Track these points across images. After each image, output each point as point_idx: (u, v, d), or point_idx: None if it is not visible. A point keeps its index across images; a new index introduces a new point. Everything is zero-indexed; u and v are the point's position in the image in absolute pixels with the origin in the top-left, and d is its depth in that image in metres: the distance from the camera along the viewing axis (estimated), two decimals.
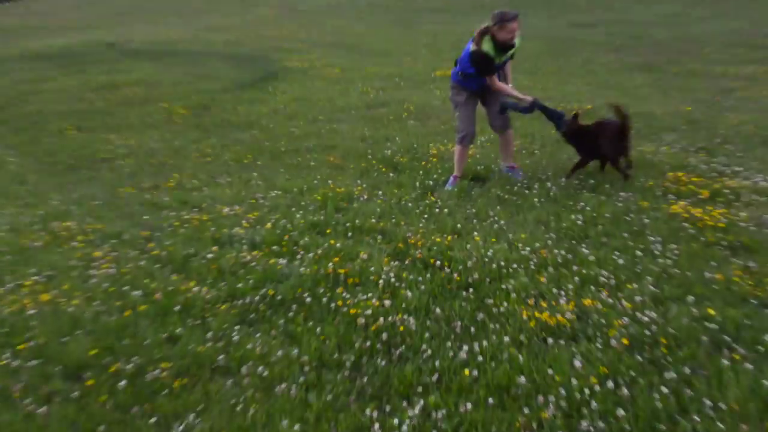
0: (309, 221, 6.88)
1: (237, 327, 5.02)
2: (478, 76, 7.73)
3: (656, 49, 17.92)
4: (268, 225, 6.81)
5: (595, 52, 18.04)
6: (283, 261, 5.97)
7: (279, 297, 5.37)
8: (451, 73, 8.25)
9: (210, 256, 6.15)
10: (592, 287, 5.37)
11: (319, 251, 6.12)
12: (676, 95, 12.42)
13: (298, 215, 7.07)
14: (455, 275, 5.61)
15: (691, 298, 5.14)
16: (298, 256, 6.08)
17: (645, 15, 25.73)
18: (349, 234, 6.57)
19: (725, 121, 10.22)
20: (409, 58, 17.97)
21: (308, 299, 5.31)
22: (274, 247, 6.28)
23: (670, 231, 6.40)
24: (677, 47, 17.96)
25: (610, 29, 22.19)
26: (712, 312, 4.90)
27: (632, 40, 19.60)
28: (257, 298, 5.37)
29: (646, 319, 4.87)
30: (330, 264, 5.83)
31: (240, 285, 5.56)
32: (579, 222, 6.65)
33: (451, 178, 8.01)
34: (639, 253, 5.94)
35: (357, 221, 6.81)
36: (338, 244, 6.25)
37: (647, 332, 4.70)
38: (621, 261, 5.77)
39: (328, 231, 6.66)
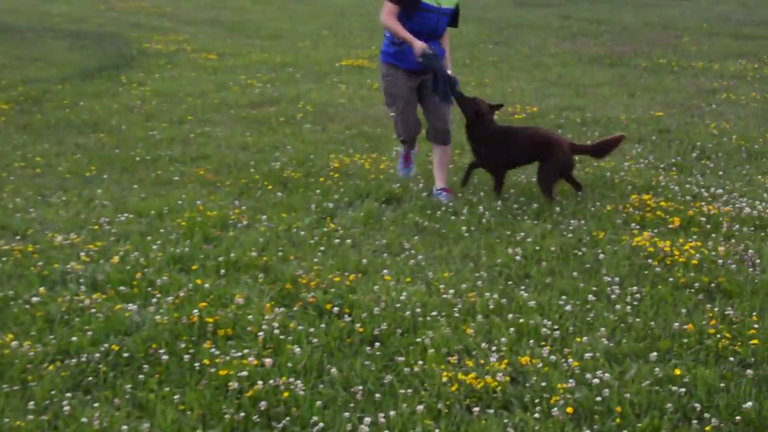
0: (169, 254, 6.85)
1: (69, 394, 4.95)
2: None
3: (622, 37, 18.49)
4: (115, 259, 6.76)
5: (546, 39, 18.49)
6: (132, 306, 5.92)
7: (126, 354, 5.32)
8: (382, 47, 8.35)
9: (35, 299, 6.07)
10: (531, 341, 5.48)
11: (181, 294, 6.09)
12: (645, 97, 12.84)
13: (154, 246, 7.03)
14: (358, 325, 5.65)
15: (654, 355, 5.30)
16: (154, 300, 6.04)
17: None
18: (222, 271, 6.57)
19: (704, 130, 10.61)
20: (306, 43, 18.09)
21: (165, 357, 5.28)
22: (122, 289, 6.23)
23: (630, 269, 6.60)
24: (648, 36, 18.56)
25: (566, 11, 22.78)
26: (678, 372, 5.08)
27: (592, 26, 20.16)
28: (97, 355, 5.31)
29: (597, 381, 4.99)
30: (195, 310, 5.80)
31: (74, 338, 5.49)
32: (517, 257, 6.80)
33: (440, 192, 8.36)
34: (591, 297, 6.10)
35: (232, 255, 6.81)
36: (207, 285, 6.23)
37: (598, 398, 4.82)
38: (568, 307, 5.92)
39: (193, 267, 6.63)
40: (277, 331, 5.55)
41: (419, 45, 7.99)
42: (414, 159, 8.93)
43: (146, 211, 7.92)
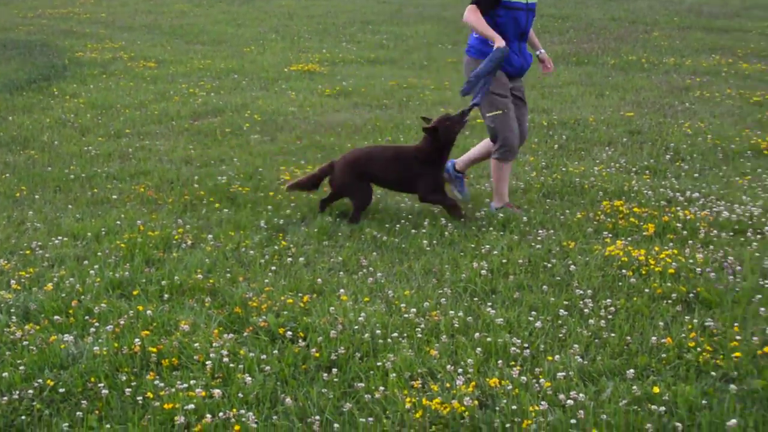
0: (108, 279, 6.78)
1: None
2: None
3: (588, 33, 18.62)
4: (49, 286, 6.68)
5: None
6: (68, 337, 5.85)
7: (62, 389, 5.26)
8: (474, 44, 8.20)
9: None
10: (500, 361, 5.48)
11: (122, 322, 6.03)
12: (614, 96, 12.93)
13: (92, 271, 6.96)
14: (313, 350, 5.62)
15: (631, 372, 5.32)
16: (92, 330, 5.97)
17: None
18: (165, 296, 6.51)
19: (677, 130, 10.70)
20: (252, 48, 18.07)
21: (104, 391, 5.22)
22: (57, 318, 6.16)
23: (604, 281, 6.63)
24: (615, 31, 18.71)
25: None
26: (657, 390, 5.09)
27: (557, 22, 20.30)
28: (31, 392, 5.25)
29: (571, 402, 5.00)
30: (137, 339, 5.75)
31: (5, 374, 5.42)
32: (483, 272, 6.80)
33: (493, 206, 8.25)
34: (563, 312, 6.12)
35: (176, 278, 6.75)
36: (149, 311, 6.18)
37: (573, 421, 4.83)
38: (539, 324, 5.93)
39: (134, 293, 6.58)
40: (226, 359, 5.51)
41: (502, 42, 7.85)
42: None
43: (82, 234, 7.84)
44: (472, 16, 7.90)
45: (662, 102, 12.43)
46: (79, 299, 6.45)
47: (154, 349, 5.64)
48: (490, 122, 8.13)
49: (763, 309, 6.05)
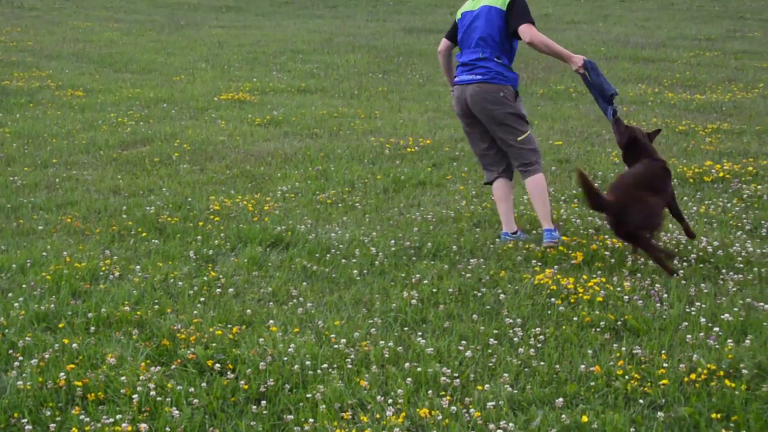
0: (33, 312, 6.68)
1: None
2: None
3: (517, 63, 18.78)
4: None
5: (438, 67, 18.66)
6: None
7: None
8: (496, 69, 8.18)
9: None
10: (430, 391, 5.48)
11: (47, 355, 5.94)
12: (543, 125, 13.05)
13: (16, 304, 6.85)
14: (242, 382, 5.58)
15: (560, 401, 5.34)
16: (15, 364, 5.87)
17: None
18: (92, 329, 6.43)
19: (605, 159, 10.81)
20: (182, 76, 17.98)
21: (28, 427, 5.13)
22: None
23: (533, 309, 6.66)
24: (544, 61, 18.89)
25: None
26: (586, 419, 5.12)
27: None
28: None
29: (500, 431, 5.02)
30: (62, 373, 5.65)
31: None
32: (413, 301, 6.81)
33: (548, 232, 8.03)
34: (493, 341, 6.13)
35: (103, 310, 6.67)
36: (75, 345, 6.09)
37: None
38: (469, 353, 5.93)
39: (60, 326, 6.48)
40: (153, 393, 5.44)
41: (579, 57, 8.03)
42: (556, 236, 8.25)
43: (7, 265, 7.72)
44: (546, 38, 8.12)
45: (590, 131, 12.56)
46: (3, 333, 6.35)
47: (80, 383, 5.55)
48: (524, 143, 8.14)
49: (689, 336, 6.12)
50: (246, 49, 21.54)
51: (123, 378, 5.60)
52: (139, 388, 5.47)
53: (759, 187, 9.50)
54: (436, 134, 12.38)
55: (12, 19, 28.72)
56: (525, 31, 8.02)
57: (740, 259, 7.58)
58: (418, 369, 5.71)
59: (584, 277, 7.19)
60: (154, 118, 13.98)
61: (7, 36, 24.65)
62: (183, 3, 32.33)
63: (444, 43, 8.61)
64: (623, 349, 5.98)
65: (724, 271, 7.34)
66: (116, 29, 25.81)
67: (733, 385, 5.47)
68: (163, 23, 27.21)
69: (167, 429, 5.08)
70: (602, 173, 10.18)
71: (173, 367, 5.84)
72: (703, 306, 6.62)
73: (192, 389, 5.51)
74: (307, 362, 5.80)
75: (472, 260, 7.65)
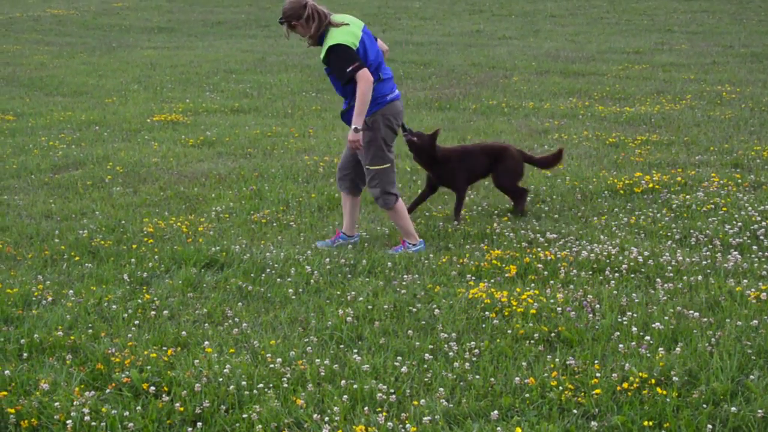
0: None
1: None
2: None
3: (450, 79, 18.92)
4: None
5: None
6: None
7: None
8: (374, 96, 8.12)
9: None
10: (366, 408, 5.49)
11: None
12: (476, 140, 13.11)
13: None
14: (177, 405, 5.56)
15: (495, 414, 5.38)
16: None
17: (436, 35, 27.15)
18: (24, 355, 6.37)
19: (537, 173, 10.90)
20: (114, 98, 17.85)
21: None
22: None
23: (468, 323, 6.71)
24: (476, 76, 19.04)
25: (391, 54, 23.09)
26: (520, 431, 5.16)
27: (419, 69, 20.57)
28: None
29: None
30: None
31: None
32: (349, 318, 6.82)
33: (408, 245, 8.35)
34: (428, 356, 6.16)
35: (36, 336, 6.61)
36: (7, 371, 6.03)
37: None
38: (404, 369, 5.96)
39: None
40: (87, 418, 5.42)
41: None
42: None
43: None
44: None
45: (522, 145, 12.64)
46: None
47: (13, 410, 5.51)
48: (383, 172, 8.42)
49: (621, 345, 6.20)
50: (179, 70, 21.44)
51: (57, 404, 5.56)
52: (73, 414, 5.44)
53: (687, 197, 9.64)
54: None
55: None
56: None
57: (670, 268, 7.69)
58: (354, 386, 5.73)
59: (518, 290, 7.25)
60: (86, 141, 13.86)
61: None
62: (114, 25, 32.10)
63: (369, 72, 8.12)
64: (557, 360, 6.05)
65: (655, 280, 7.45)
66: (47, 52, 25.56)
67: (664, 392, 5.55)
68: (94, 45, 26.99)
69: None
70: (534, 186, 10.27)
71: (108, 391, 5.81)
72: (635, 315, 6.71)
73: (127, 413, 5.49)
74: (243, 382, 5.80)
75: (406, 276, 7.69)
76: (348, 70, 7.94)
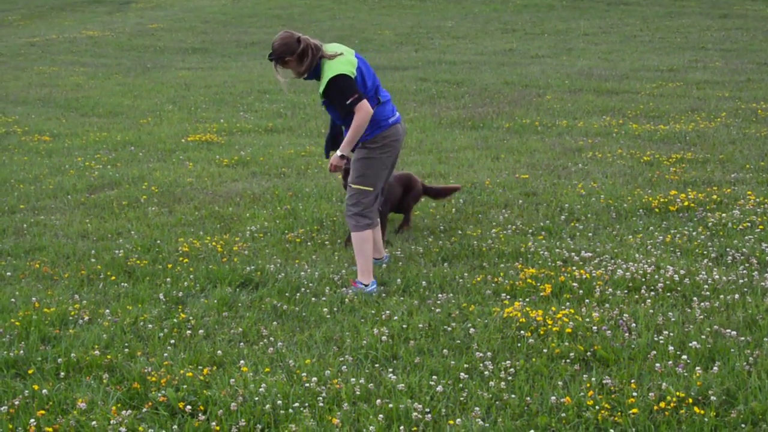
0: (2, 359, 6.65)
1: None
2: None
3: (483, 98, 18.92)
4: None
5: (405, 104, 18.78)
6: None
7: None
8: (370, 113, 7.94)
9: None
10: (402, 427, 5.49)
11: (17, 402, 5.92)
12: (510, 159, 13.11)
13: None
14: (213, 424, 5.58)
15: None
16: None
17: (469, 53, 27.16)
18: (62, 374, 6.41)
19: (572, 191, 10.88)
20: (149, 119, 17.98)
21: None
22: None
23: (503, 342, 6.69)
24: (509, 95, 19.03)
25: (424, 73, 23.22)
26: None
27: (452, 88, 20.59)
28: None
29: None
30: (32, 420, 5.64)
31: None
32: (384, 338, 6.82)
33: (360, 284, 8.03)
34: (464, 375, 6.15)
35: (73, 355, 6.65)
36: (45, 390, 6.07)
37: None
38: (440, 388, 5.95)
39: (30, 372, 6.46)
40: None
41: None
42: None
43: None
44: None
45: (556, 163, 12.64)
46: None
47: (50, 429, 5.55)
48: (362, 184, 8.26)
49: (658, 365, 6.16)
50: (213, 90, 21.56)
51: (94, 423, 5.59)
52: None
53: (723, 215, 9.58)
54: (403, 170, 12.41)
55: None
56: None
57: (707, 286, 7.64)
58: (390, 405, 5.73)
59: (553, 308, 7.23)
60: (121, 161, 13.96)
61: None
62: (149, 46, 32.33)
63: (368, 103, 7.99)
64: (593, 379, 6.02)
65: (691, 299, 7.40)
66: (82, 73, 25.78)
67: (702, 412, 5.52)
68: (129, 66, 27.20)
69: None
70: (568, 205, 10.24)
71: (144, 410, 5.83)
72: (671, 334, 6.67)
73: (163, 431, 5.51)
74: (279, 402, 5.81)
75: (441, 295, 7.68)
76: (348, 102, 7.82)
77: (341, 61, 7.91)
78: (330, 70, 7.86)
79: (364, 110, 7.81)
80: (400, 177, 9.67)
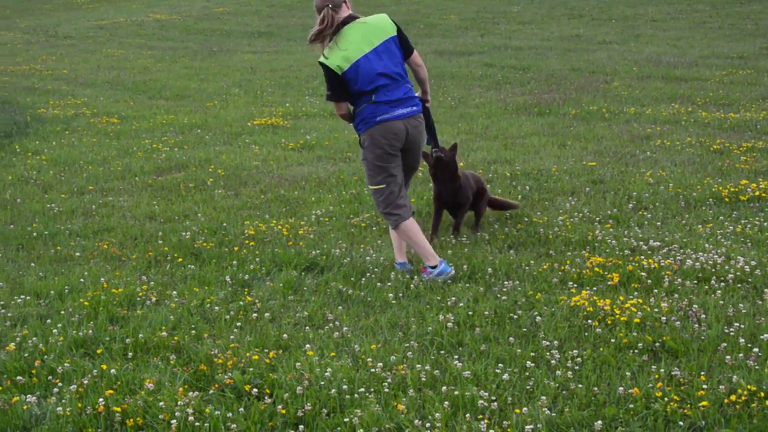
0: (71, 338, 6.73)
1: None
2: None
3: (549, 84, 18.78)
4: (11, 346, 6.61)
5: (470, 89, 18.70)
6: (32, 398, 5.79)
7: None
8: (416, 101, 8.08)
9: None
10: (468, 415, 5.46)
11: (86, 381, 5.97)
12: (576, 146, 13.00)
13: (55, 330, 6.90)
14: (280, 407, 5.59)
15: (599, 424, 5.31)
16: (55, 390, 5.91)
17: (535, 39, 26.98)
18: (129, 354, 6.46)
19: (639, 179, 10.76)
20: (215, 102, 18.08)
21: None
22: (20, 378, 6.09)
23: (570, 331, 6.63)
24: (576, 82, 18.87)
25: (490, 59, 23.11)
26: None
27: (518, 73, 20.47)
28: None
29: None
30: (101, 399, 5.69)
31: None
32: (449, 324, 6.79)
33: (428, 269, 7.96)
34: (530, 363, 6.11)
35: (141, 336, 6.71)
36: (113, 370, 6.12)
37: None
38: (506, 376, 5.91)
39: (98, 351, 6.52)
40: (191, 418, 5.47)
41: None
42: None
43: (45, 292, 7.78)
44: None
45: (624, 151, 12.50)
46: (42, 359, 6.40)
47: (119, 409, 5.59)
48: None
49: (728, 357, 6.07)
50: (279, 74, 21.63)
51: (161, 403, 5.63)
52: (177, 414, 5.50)
53: None
54: (469, 156, 12.36)
55: (47, 48, 29.01)
56: (417, 55, 8.11)
57: None
58: (456, 392, 5.70)
59: (621, 298, 7.15)
60: (188, 144, 14.06)
61: (42, 64, 24.91)
62: (215, 29, 32.52)
63: (346, 107, 8.02)
64: (662, 370, 5.94)
65: (763, 290, 7.29)
66: (150, 56, 26.01)
67: None
68: (195, 50, 27.39)
69: None
70: (636, 193, 10.12)
71: (211, 392, 5.86)
72: (742, 326, 6.56)
73: (230, 414, 5.53)
74: (344, 386, 5.81)
75: (507, 282, 7.63)
76: (327, 93, 8.02)
77: (336, 54, 7.74)
78: (322, 56, 7.83)
79: (337, 110, 8.09)
80: (475, 176, 9.43)
